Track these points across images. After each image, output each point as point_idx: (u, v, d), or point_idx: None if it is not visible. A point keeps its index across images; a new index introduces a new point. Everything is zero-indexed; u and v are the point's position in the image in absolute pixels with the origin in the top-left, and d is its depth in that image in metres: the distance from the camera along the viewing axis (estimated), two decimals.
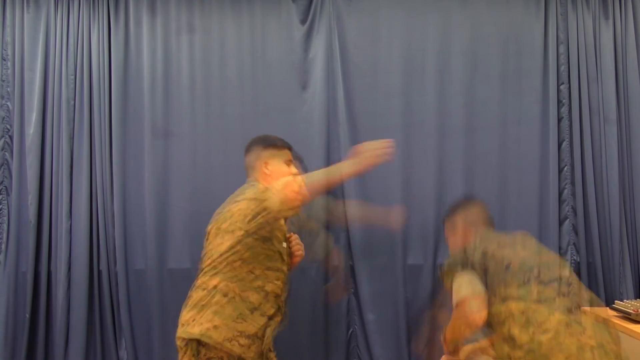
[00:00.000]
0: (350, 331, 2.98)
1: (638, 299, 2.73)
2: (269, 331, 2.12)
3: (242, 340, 2.02)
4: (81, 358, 2.86)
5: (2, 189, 2.93)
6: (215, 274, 2.09)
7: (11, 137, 2.94)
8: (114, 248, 2.91)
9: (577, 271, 2.92)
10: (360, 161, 2.07)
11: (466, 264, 1.97)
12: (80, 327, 2.86)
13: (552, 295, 1.81)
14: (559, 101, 2.98)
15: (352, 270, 2.97)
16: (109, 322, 2.91)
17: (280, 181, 2.01)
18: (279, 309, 2.17)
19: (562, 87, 2.99)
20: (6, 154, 2.93)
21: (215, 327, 2.01)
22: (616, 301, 2.62)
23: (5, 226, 2.91)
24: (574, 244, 2.97)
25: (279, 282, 2.16)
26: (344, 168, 2.10)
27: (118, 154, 2.92)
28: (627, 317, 2.45)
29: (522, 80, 2.99)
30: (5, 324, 2.86)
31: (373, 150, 2.09)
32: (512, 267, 1.87)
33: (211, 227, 2.17)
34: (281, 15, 3.01)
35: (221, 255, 2.08)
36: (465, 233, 2.23)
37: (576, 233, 2.96)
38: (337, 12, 3.01)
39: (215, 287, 2.07)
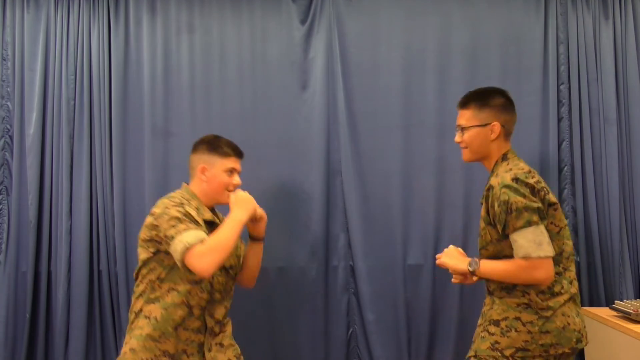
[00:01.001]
0: (350, 331, 2.98)
1: (638, 299, 2.73)
2: (208, 343, 2.12)
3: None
4: (81, 358, 2.86)
5: (2, 189, 2.93)
6: (139, 296, 2.12)
7: (11, 137, 2.94)
8: (114, 248, 2.91)
9: (577, 271, 2.92)
10: (241, 212, 2.05)
11: (540, 211, 1.79)
12: (80, 327, 2.86)
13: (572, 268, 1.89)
14: (559, 101, 2.98)
15: (352, 270, 2.97)
16: (109, 322, 2.91)
17: (179, 243, 1.92)
18: (204, 320, 2.12)
19: (562, 87, 2.98)
20: (6, 154, 2.93)
21: (131, 349, 2.05)
22: (616, 301, 2.62)
23: (5, 226, 2.91)
24: (574, 243, 2.96)
25: (204, 295, 2.11)
26: (238, 218, 2.04)
27: (118, 154, 2.92)
28: (627, 317, 2.45)
29: (522, 80, 2.99)
30: (5, 324, 2.86)
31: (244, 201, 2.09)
32: (561, 233, 1.86)
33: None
34: (281, 15, 3.01)
35: (140, 270, 2.11)
36: (503, 142, 1.97)
37: (576, 233, 2.95)
38: (337, 12, 3.01)
39: (140, 310, 2.09)
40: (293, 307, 2.95)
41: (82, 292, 2.87)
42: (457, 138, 2.01)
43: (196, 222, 2.03)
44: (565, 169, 2.96)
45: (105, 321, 2.92)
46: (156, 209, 2.08)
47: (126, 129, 2.95)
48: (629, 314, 2.42)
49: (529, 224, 1.74)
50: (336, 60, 2.98)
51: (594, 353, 2.64)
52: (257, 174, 2.94)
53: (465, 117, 1.98)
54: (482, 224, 1.93)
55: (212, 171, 2.19)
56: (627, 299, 2.70)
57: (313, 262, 2.95)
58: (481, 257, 1.94)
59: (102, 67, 2.94)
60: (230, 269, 2.25)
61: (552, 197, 1.86)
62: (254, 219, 2.24)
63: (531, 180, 1.82)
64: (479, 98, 1.98)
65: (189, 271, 1.97)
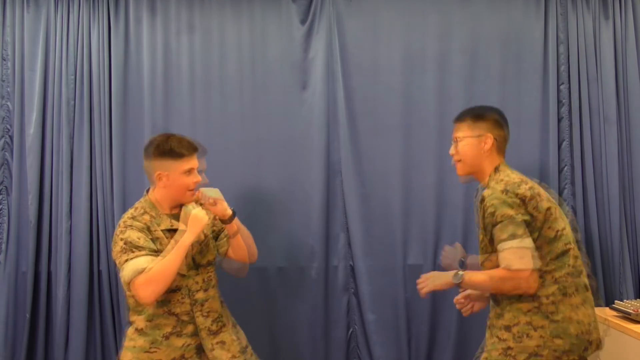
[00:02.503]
0: (350, 331, 2.98)
1: (638, 299, 2.73)
2: (208, 343, 2.12)
3: None
4: (81, 358, 2.86)
5: (2, 189, 2.93)
6: (130, 309, 2.14)
7: (11, 137, 2.94)
8: None
9: None
10: (192, 228, 2.02)
11: (527, 223, 1.79)
12: (80, 327, 2.86)
13: (581, 269, 1.89)
14: (559, 101, 2.98)
15: (352, 270, 2.97)
16: (109, 322, 2.91)
17: (126, 270, 1.94)
18: (196, 322, 2.12)
19: (562, 87, 2.98)
20: (6, 154, 2.93)
21: None
22: (616, 301, 2.62)
23: (5, 226, 2.91)
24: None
25: (185, 300, 2.10)
26: (184, 242, 1.99)
27: (118, 154, 2.92)
28: (627, 317, 2.45)
29: (522, 80, 2.99)
30: (5, 324, 2.86)
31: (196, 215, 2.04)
32: (558, 235, 1.86)
33: None
34: (281, 15, 3.01)
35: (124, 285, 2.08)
36: (495, 156, 1.98)
37: (576, 233, 2.95)
38: (337, 12, 3.00)
39: (133, 322, 2.12)
40: (293, 307, 2.95)
41: (82, 292, 2.87)
42: (452, 150, 2.03)
43: (139, 248, 1.99)
44: (565, 169, 2.96)
45: (105, 321, 2.92)
46: (116, 231, 2.09)
47: (126, 129, 2.95)
48: (629, 314, 2.43)
49: (513, 237, 1.76)
50: (336, 60, 2.98)
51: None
52: (257, 173, 2.95)
53: (461, 129, 2.02)
54: (481, 236, 1.93)
55: (170, 176, 2.08)
56: (627, 299, 2.70)
57: (313, 262, 2.95)
58: (484, 269, 1.92)
59: (102, 67, 2.94)
60: (208, 265, 2.21)
61: (546, 203, 1.86)
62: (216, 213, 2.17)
63: (521, 190, 1.82)
64: (474, 112, 2.04)
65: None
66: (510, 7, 3.02)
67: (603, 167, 2.95)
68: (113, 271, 2.91)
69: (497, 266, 1.83)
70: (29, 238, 2.87)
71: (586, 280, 1.90)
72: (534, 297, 1.81)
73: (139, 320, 2.08)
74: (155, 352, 2.06)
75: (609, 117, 2.97)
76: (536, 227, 1.81)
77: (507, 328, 1.83)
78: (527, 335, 1.80)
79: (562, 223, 1.90)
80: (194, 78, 2.98)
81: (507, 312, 1.86)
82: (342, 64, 2.98)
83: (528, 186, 1.86)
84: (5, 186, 2.93)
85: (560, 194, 2.95)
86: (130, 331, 2.11)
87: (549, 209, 1.85)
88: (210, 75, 2.98)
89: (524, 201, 1.81)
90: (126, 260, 1.97)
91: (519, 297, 1.83)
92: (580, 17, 3.00)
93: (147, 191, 2.19)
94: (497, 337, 1.85)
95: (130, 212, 2.12)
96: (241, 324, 2.95)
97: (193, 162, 2.12)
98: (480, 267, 1.93)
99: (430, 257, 2.96)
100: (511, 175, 1.90)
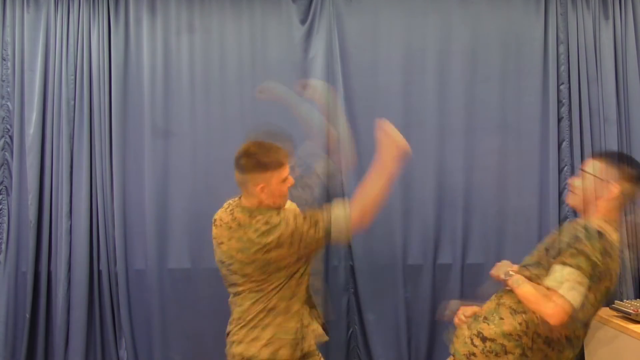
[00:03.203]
0: (350, 331, 2.98)
1: (638, 299, 2.73)
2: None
3: None
4: (81, 358, 2.86)
5: (2, 189, 2.93)
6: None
7: (11, 137, 2.94)
8: (114, 248, 2.91)
9: None
10: (392, 156, 1.99)
11: (594, 259, 1.71)
12: (80, 327, 2.87)
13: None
14: (559, 101, 2.98)
15: (352, 270, 2.97)
16: (109, 322, 2.91)
17: (335, 214, 1.93)
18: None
19: (562, 87, 2.98)
20: (6, 154, 2.93)
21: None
22: (616, 301, 2.62)
23: (5, 226, 2.91)
24: None
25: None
26: (385, 169, 1.98)
27: (118, 154, 2.92)
28: (627, 317, 2.45)
29: (522, 80, 2.99)
30: (5, 324, 2.86)
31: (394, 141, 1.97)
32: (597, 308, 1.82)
33: None
34: (281, 15, 3.01)
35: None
36: (613, 210, 1.86)
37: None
38: (337, 12, 3.01)
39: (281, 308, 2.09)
40: None
41: (82, 292, 2.87)
42: (575, 181, 1.93)
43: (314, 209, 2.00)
44: (565, 169, 2.96)
45: (105, 321, 2.92)
46: (264, 239, 1.95)
47: (126, 129, 2.95)
48: (629, 314, 2.43)
49: (578, 267, 1.69)
50: (336, 60, 2.98)
51: (594, 353, 2.64)
52: None
53: (593, 165, 1.89)
54: (547, 257, 1.84)
55: (270, 188, 2.03)
56: (627, 299, 2.70)
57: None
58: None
59: (102, 67, 2.94)
60: None
61: (617, 267, 1.81)
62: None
63: (614, 242, 1.78)
64: (614, 157, 1.92)
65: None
66: (510, 7, 3.02)
67: None
68: (113, 271, 2.92)
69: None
70: (29, 238, 2.87)
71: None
72: (522, 333, 1.79)
73: (277, 301, 2.00)
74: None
75: (609, 117, 2.96)
76: (597, 279, 1.73)
77: (484, 339, 1.83)
78: (496, 354, 1.79)
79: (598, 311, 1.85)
80: (194, 78, 2.98)
81: (493, 326, 1.84)
82: (342, 64, 2.98)
83: (618, 247, 1.80)
84: (5, 186, 2.93)
85: (560, 194, 2.95)
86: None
87: (612, 278, 1.79)
88: (210, 75, 2.98)
89: (605, 250, 1.74)
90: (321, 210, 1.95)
91: (514, 315, 1.81)
92: (580, 17, 3.00)
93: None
94: (471, 339, 1.85)
95: (254, 205, 2.06)
96: None
97: (288, 168, 2.09)
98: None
99: (430, 257, 2.96)
100: (613, 233, 1.82)
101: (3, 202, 2.93)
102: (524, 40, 3.00)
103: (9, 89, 2.94)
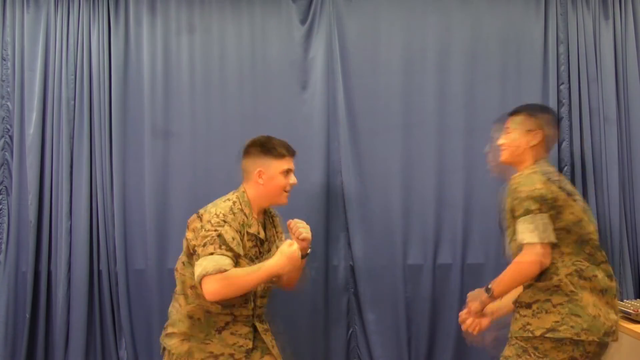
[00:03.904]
0: (350, 331, 2.98)
1: (638, 299, 2.73)
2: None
3: None
4: (81, 358, 2.86)
5: (2, 189, 2.93)
6: (186, 297, 2.23)
7: (11, 137, 2.93)
8: (114, 248, 2.91)
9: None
10: (279, 267, 2.03)
11: (545, 201, 1.83)
12: (80, 327, 2.86)
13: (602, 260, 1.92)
14: (559, 101, 2.98)
15: (352, 270, 2.97)
16: (109, 322, 2.91)
17: (208, 262, 1.96)
18: (252, 325, 2.23)
19: (562, 87, 2.98)
20: (6, 154, 2.93)
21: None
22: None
23: (5, 226, 2.91)
24: None
25: (249, 305, 2.19)
26: (270, 270, 2.02)
27: (118, 154, 2.92)
28: (627, 317, 2.45)
29: (522, 80, 2.99)
30: (5, 324, 2.86)
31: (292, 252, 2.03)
32: (579, 222, 1.88)
33: None
34: (281, 15, 3.01)
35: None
36: (541, 152, 2.05)
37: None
38: (337, 12, 3.00)
39: (186, 312, 2.23)
40: (293, 307, 2.95)
41: (82, 292, 2.87)
42: (501, 140, 2.09)
43: (229, 248, 2.02)
44: (565, 169, 2.96)
45: (105, 321, 2.92)
46: (203, 217, 2.10)
47: (126, 129, 2.95)
48: (629, 314, 2.42)
49: (527, 212, 1.80)
50: (336, 60, 2.98)
51: None
52: None
53: (514, 121, 2.09)
54: (508, 220, 1.96)
55: (269, 174, 2.18)
56: (627, 299, 2.70)
57: (313, 262, 2.94)
58: (513, 254, 1.95)
59: (102, 67, 2.94)
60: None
61: (571, 188, 1.93)
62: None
63: (551, 176, 1.90)
64: (530, 108, 2.12)
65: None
66: (510, 7, 3.01)
67: (603, 167, 2.95)
68: (113, 271, 2.91)
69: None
70: (29, 238, 2.87)
71: (610, 270, 1.93)
72: (552, 275, 1.84)
73: (197, 310, 2.12)
74: (209, 344, 2.11)
75: (609, 117, 2.96)
76: (557, 205, 1.84)
77: (528, 305, 1.88)
78: (546, 311, 1.84)
79: (585, 216, 1.93)
80: (194, 78, 2.98)
81: (527, 290, 1.90)
82: (342, 64, 2.98)
83: (557, 176, 1.93)
84: (5, 186, 2.93)
85: None
86: (180, 318, 2.16)
87: (572, 194, 1.89)
88: (210, 75, 2.98)
89: (550, 179, 1.87)
90: (211, 253, 1.98)
91: (539, 277, 1.86)
92: (580, 17, 3.00)
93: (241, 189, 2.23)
94: (518, 313, 1.90)
95: (229, 205, 2.13)
96: None
97: (291, 164, 2.23)
98: (510, 252, 1.97)
99: (430, 257, 2.95)
100: (547, 167, 1.97)
101: (3, 202, 2.93)
102: (524, 40, 3.00)
103: (9, 89, 2.94)
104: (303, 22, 3.02)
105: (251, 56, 2.99)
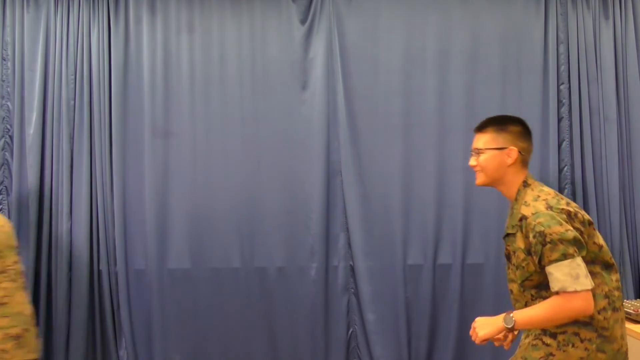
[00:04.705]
0: (350, 331, 2.98)
1: (638, 299, 2.73)
2: None
3: None
4: (81, 358, 2.86)
5: (2, 189, 2.93)
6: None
7: (11, 137, 2.93)
8: (114, 248, 2.91)
9: None
10: None
11: (578, 242, 1.69)
12: (80, 326, 2.86)
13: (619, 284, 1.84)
14: (559, 101, 2.98)
15: (352, 270, 2.97)
16: (109, 321, 2.91)
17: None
18: None
19: (562, 87, 2.98)
20: (6, 154, 2.93)
21: None
22: None
23: None
24: None
25: None
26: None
27: (118, 154, 2.92)
28: (627, 317, 2.44)
29: (522, 80, 2.99)
30: None
31: None
32: (603, 249, 1.79)
33: None
34: (281, 15, 3.01)
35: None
36: (520, 169, 1.88)
37: None
38: (337, 12, 3.00)
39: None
40: (293, 307, 2.95)
41: (82, 292, 2.87)
42: (472, 161, 1.93)
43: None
44: (565, 169, 2.96)
45: (105, 321, 2.92)
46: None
47: (126, 129, 2.95)
48: (629, 314, 2.42)
49: (565, 256, 1.67)
50: (336, 60, 2.98)
51: None
52: (257, 173, 2.95)
53: (482, 140, 1.92)
54: (522, 255, 1.81)
55: None
56: (627, 299, 2.70)
57: (313, 262, 2.95)
58: (524, 289, 1.84)
59: (102, 67, 2.94)
60: None
61: (586, 215, 1.80)
62: None
63: (563, 205, 1.76)
64: (497, 123, 1.93)
65: None
66: (510, 7, 3.01)
67: (603, 167, 2.95)
68: (113, 271, 2.92)
69: (539, 285, 1.79)
70: (29, 238, 2.87)
71: (620, 288, 1.86)
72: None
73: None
74: None
75: (609, 117, 2.96)
76: (584, 243, 1.73)
77: (553, 335, 1.78)
78: (573, 345, 1.75)
79: (600, 236, 1.83)
80: (194, 78, 2.98)
81: None
82: (342, 64, 2.98)
83: (565, 201, 1.80)
84: (5, 186, 2.93)
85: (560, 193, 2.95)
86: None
87: (590, 222, 1.79)
88: (210, 75, 2.98)
89: (569, 216, 1.74)
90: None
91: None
92: (580, 17, 3.00)
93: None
94: (541, 340, 1.80)
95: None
96: (241, 323, 2.96)
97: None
98: (520, 287, 1.85)
99: (430, 257, 2.96)
100: (545, 189, 1.84)
101: (3, 202, 2.93)
102: (524, 40, 3.00)
103: (9, 89, 2.94)
104: (303, 22, 3.02)
105: (251, 56, 2.99)
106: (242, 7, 3.01)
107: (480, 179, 1.93)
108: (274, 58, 2.99)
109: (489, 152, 1.89)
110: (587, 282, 1.68)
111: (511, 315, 1.77)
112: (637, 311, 2.40)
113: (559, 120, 2.98)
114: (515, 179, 1.89)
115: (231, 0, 3.01)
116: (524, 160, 1.90)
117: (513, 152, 1.87)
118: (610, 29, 3.02)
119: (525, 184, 1.87)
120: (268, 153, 2.95)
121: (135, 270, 2.93)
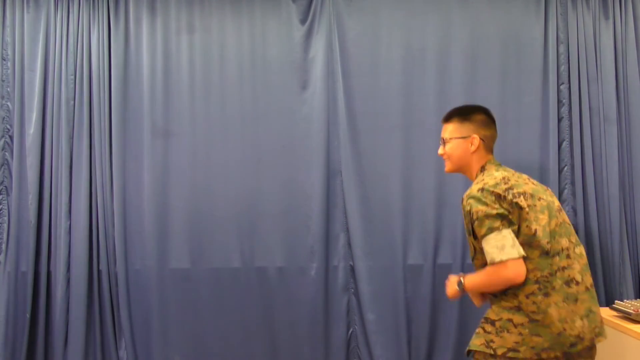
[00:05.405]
0: (350, 331, 2.98)
1: (638, 299, 2.72)
2: None
3: None
4: (81, 358, 2.86)
5: (2, 189, 2.93)
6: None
7: (11, 137, 2.94)
8: (113, 248, 2.91)
9: None
10: None
11: (504, 217, 1.81)
12: (79, 327, 2.87)
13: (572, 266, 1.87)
14: (559, 101, 2.98)
15: (352, 270, 2.97)
16: (109, 322, 2.91)
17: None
18: None
19: (562, 87, 2.99)
20: (6, 154, 2.93)
21: None
22: (616, 301, 2.61)
23: (5, 226, 2.91)
24: None
25: None
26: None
27: (118, 154, 2.92)
28: (627, 317, 2.44)
29: (522, 80, 2.99)
30: (5, 324, 2.86)
31: None
32: (537, 235, 1.84)
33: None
34: (281, 15, 3.01)
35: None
36: (483, 155, 2.02)
37: (576, 233, 2.95)
38: (337, 12, 3.01)
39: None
40: (293, 307, 2.95)
41: (81, 292, 2.87)
42: (440, 150, 2.09)
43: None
44: (565, 169, 2.96)
45: (105, 321, 2.92)
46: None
47: (126, 129, 2.95)
48: (629, 314, 2.42)
49: (491, 230, 1.81)
50: (336, 60, 2.98)
51: None
52: (257, 173, 2.95)
53: (448, 130, 2.07)
54: (467, 236, 1.99)
55: None
56: (627, 299, 2.70)
57: (313, 262, 2.95)
58: (475, 268, 1.98)
59: (102, 67, 2.94)
60: None
61: (523, 201, 1.86)
62: None
63: (497, 189, 1.86)
64: (460, 113, 2.08)
65: None
66: (510, 7, 3.02)
67: (603, 167, 2.95)
68: (113, 271, 2.92)
69: (485, 264, 1.87)
70: (29, 238, 2.87)
71: (577, 276, 1.87)
72: (514, 295, 1.84)
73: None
74: None
75: (609, 117, 2.96)
76: (514, 221, 1.83)
77: (492, 322, 1.88)
78: (508, 330, 1.84)
79: (542, 221, 1.86)
80: (194, 78, 2.98)
81: (494, 307, 1.91)
82: (342, 64, 2.98)
83: (507, 186, 1.88)
84: (5, 186, 2.93)
85: (560, 194, 2.95)
86: None
87: (522, 208, 1.84)
88: (210, 75, 2.99)
89: (499, 197, 1.85)
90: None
91: (503, 295, 1.86)
92: (580, 17, 3.00)
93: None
94: (483, 328, 1.90)
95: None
96: (241, 323, 2.96)
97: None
98: (473, 265, 1.98)
99: (430, 257, 2.96)
100: (494, 174, 1.93)
101: (3, 202, 2.93)
102: (524, 40, 3.00)
103: (9, 89, 2.94)
104: (303, 22, 3.02)
105: (251, 56, 2.99)
106: (242, 7, 3.01)
107: (447, 166, 2.11)
108: (273, 58, 2.99)
109: (454, 141, 2.05)
110: (512, 252, 1.78)
111: (461, 279, 1.98)
112: (637, 311, 2.40)
113: (559, 120, 2.98)
114: (477, 164, 2.03)
115: (231, 1, 3.01)
116: (487, 147, 2.05)
117: (475, 140, 2.02)
118: (610, 29, 3.02)
119: (482, 169, 2.01)
120: (268, 153, 2.95)
121: (135, 270, 2.93)
